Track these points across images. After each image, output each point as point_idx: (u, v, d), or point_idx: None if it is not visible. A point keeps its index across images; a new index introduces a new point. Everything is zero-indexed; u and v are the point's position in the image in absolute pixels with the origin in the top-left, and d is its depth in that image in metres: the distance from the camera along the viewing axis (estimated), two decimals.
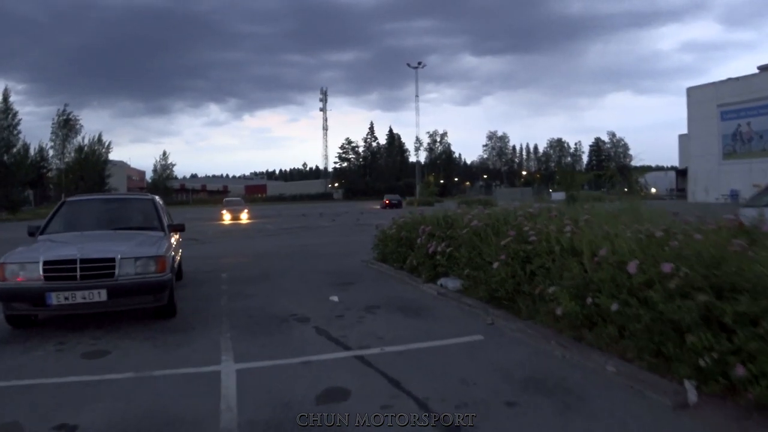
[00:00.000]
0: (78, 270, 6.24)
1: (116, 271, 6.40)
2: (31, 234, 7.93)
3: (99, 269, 6.34)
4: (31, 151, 79.33)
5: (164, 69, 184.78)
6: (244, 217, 38.60)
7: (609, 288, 4.94)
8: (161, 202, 9.49)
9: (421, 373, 4.78)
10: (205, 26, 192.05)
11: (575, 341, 5.25)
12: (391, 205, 56.40)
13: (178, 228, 8.56)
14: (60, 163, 70.06)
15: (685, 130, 59.96)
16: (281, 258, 13.73)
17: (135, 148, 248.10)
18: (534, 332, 5.72)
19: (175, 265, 8.24)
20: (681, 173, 79.22)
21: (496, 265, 6.33)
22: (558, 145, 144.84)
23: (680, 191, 75.98)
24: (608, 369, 4.62)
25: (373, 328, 6.29)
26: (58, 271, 6.24)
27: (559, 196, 66.46)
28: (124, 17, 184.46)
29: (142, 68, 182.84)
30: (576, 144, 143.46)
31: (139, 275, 6.52)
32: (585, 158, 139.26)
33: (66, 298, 6.19)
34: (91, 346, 5.94)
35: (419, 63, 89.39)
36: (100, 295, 6.26)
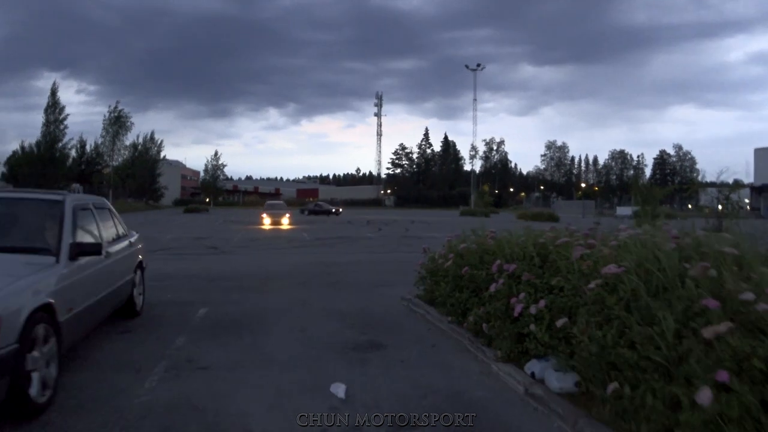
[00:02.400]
0: None
1: None
2: None
3: None
4: (87, 148, 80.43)
5: (227, 73, 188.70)
6: (285, 222, 35.77)
7: None
8: (93, 206, 6.21)
9: None
10: (268, 33, 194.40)
11: None
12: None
13: (89, 250, 5.15)
14: (110, 159, 69.42)
15: (760, 144, 54.14)
16: (296, 284, 10.32)
17: (196, 149, 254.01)
18: None
19: (85, 308, 4.93)
20: (757, 190, 72.69)
21: (705, 397, 2.65)
22: (620, 156, 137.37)
23: (754, 210, 69.54)
24: None
25: None
26: None
27: (624, 211, 61.64)
28: (192, 23, 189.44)
29: (207, 72, 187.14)
30: (639, 156, 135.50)
31: None
32: (648, 171, 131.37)
33: None
34: None
35: (478, 65, 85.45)
36: None
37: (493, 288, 5.04)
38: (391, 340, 6.05)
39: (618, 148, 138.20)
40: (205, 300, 8.51)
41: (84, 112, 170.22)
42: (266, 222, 35.42)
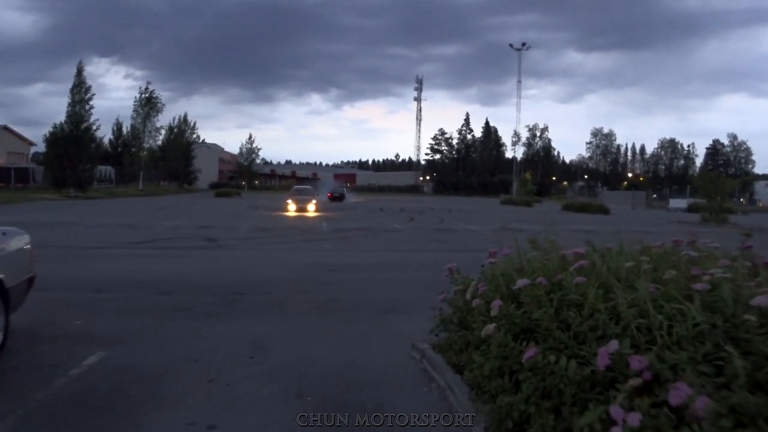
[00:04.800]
0: None
1: None
2: None
3: None
4: (124, 130, 79.14)
5: (271, 59, 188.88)
6: (311, 208, 32.87)
7: None
8: None
9: None
10: (312, 19, 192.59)
11: None
12: (333, 199, 48.92)
13: None
14: (141, 141, 67.84)
15: None
16: (273, 303, 7.36)
17: (239, 134, 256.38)
18: None
19: None
20: None
21: None
22: (670, 146, 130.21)
23: None
24: None
25: None
26: None
27: (678, 203, 56.85)
28: (237, 10, 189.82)
29: (251, 58, 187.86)
30: (689, 146, 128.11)
31: None
32: (698, 162, 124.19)
33: None
34: None
35: (523, 44, 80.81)
36: None
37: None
38: None
39: (665, 138, 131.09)
40: (119, 333, 5.66)
41: (131, 96, 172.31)
42: (291, 209, 32.66)
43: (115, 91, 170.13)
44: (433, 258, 12.42)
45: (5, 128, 69.03)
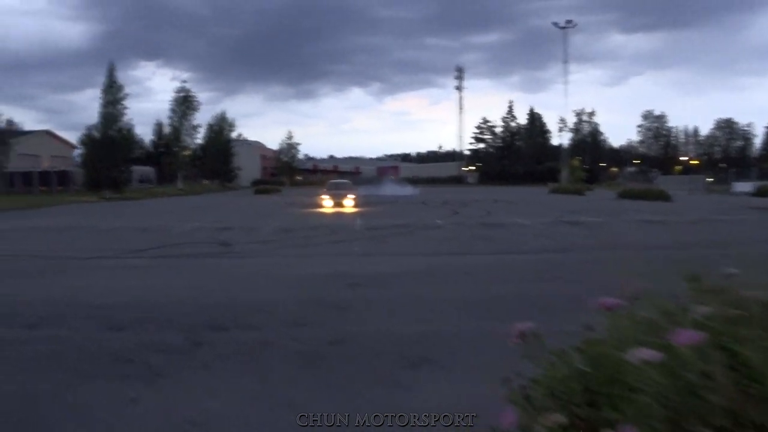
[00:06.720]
0: None
1: None
2: None
3: None
4: (166, 130, 78.80)
5: (312, 55, 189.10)
6: (349, 203, 30.45)
7: None
8: None
9: None
10: (350, 13, 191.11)
11: None
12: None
13: None
14: (178, 141, 67.04)
15: None
16: (255, 348, 5.22)
17: (283, 130, 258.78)
18: None
19: None
20: None
21: None
22: (727, 125, 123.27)
23: None
24: None
25: None
26: None
27: (743, 186, 52.33)
28: (277, 8, 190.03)
29: (292, 55, 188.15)
30: (747, 126, 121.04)
31: None
32: (757, 142, 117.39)
33: None
34: None
35: (568, 22, 76.34)
36: None
37: None
38: None
39: (719, 118, 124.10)
40: None
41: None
42: (327, 204, 30.44)
43: (162, 94, 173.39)
44: (479, 263, 10.13)
45: (47, 132, 69.50)
